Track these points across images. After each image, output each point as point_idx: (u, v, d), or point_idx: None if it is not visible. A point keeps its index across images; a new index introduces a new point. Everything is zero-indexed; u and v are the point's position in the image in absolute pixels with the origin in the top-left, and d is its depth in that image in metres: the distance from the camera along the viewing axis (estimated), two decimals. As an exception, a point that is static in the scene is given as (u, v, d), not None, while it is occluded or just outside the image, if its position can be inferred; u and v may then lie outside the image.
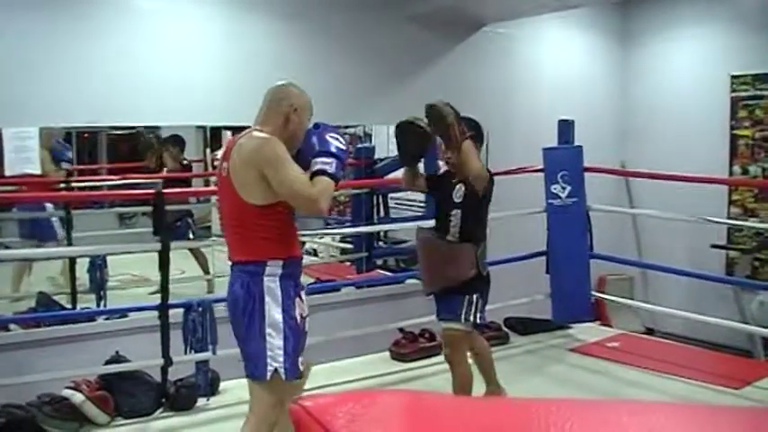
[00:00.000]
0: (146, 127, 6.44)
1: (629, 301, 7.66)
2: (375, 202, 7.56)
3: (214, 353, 5.12)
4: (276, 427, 3.49)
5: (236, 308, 3.42)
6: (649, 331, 8.19)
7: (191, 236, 7.15)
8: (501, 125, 7.56)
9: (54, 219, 6.39)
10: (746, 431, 0.64)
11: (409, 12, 6.90)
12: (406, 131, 4.34)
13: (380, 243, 7.98)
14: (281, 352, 3.34)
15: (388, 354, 6.20)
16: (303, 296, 3.53)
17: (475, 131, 4.46)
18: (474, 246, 4.47)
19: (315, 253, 8.31)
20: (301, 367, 3.45)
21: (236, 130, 7.38)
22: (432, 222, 4.76)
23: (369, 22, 6.78)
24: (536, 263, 6.66)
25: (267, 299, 3.35)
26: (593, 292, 7.00)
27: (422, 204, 7.63)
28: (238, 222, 3.43)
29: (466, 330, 4.52)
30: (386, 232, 7.93)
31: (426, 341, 6.19)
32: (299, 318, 3.43)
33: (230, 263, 3.52)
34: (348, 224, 7.63)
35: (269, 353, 3.34)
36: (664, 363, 5.93)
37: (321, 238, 8.21)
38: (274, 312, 3.35)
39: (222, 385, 5.35)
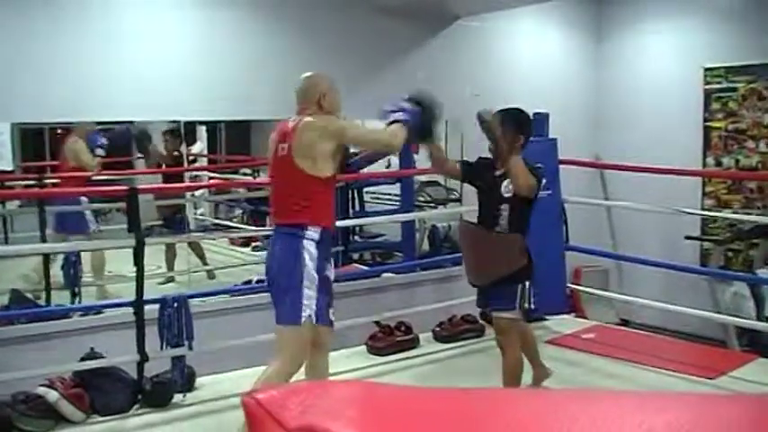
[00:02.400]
0: (119, 122, 6.38)
1: (605, 293, 7.70)
2: (350, 196, 7.56)
3: (190, 348, 5.13)
4: (314, 371, 4.21)
5: (279, 262, 4.04)
6: (624, 322, 8.23)
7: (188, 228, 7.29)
8: (473, 118, 7.57)
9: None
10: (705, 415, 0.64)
11: (383, 4, 6.89)
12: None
13: (356, 237, 7.98)
14: (315, 301, 3.95)
15: (364, 348, 6.20)
16: (332, 262, 4.18)
17: (521, 126, 4.60)
18: (522, 236, 4.55)
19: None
20: (332, 317, 4.10)
21: (211, 125, 7.47)
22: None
23: (342, 16, 6.78)
24: (511, 255, 6.67)
25: (305, 257, 3.94)
26: (569, 284, 7.04)
27: (397, 198, 7.65)
28: (293, 192, 4.02)
29: (518, 318, 4.62)
30: (361, 226, 7.93)
31: (402, 334, 6.20)
32: (331, 277, 4.09)
33: (275, 225, 4.18)
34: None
35: (305, 301, 3.93)
36: (638, 353, 5.97)
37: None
38: (311, 270, 3.94)
39: (198, 381, 5.34)
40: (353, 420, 0.68)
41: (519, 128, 4.58)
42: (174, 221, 7.11)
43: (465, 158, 4.86)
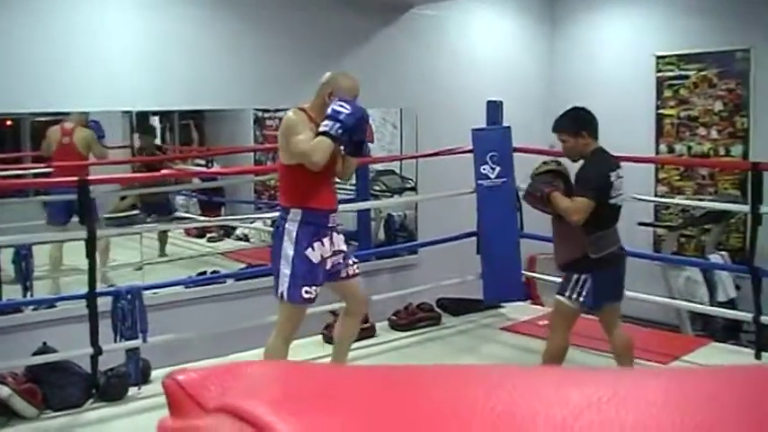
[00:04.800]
0: (68, 113, 6.34)
1: (560, 280, 7.73)
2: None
3: (144, 341, 5.07)
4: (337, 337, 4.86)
5: (272, 242, 4.51)
6: (580, 309, 8.29)
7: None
8: (430, 107, 7.61)
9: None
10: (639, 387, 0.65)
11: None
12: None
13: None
14: (287, 280, 4.26)
15: (320, 337, 6.19)
16: (327, 241, 4.37)
17: (588, 125, 4.72)
18: (586, 230, 4.57)
19: (246, 238, 8.27)
20: (306, 295, 4.29)
21: (163, 114, 7.43)
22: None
23: (296, 5, 6.75)
24: (467, 243, 6.69)
25: (285, 237, 4.28)
26: (524, 272, 7.06)
27: (352, 187, 7.63)
28: (280, 176, 4.48)
29: (569, 306, 4.66)
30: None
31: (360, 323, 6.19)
32: (315, 258, 4.30)
33: None
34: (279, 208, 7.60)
35: (281, 278, 4.28)
36: (594, 339, 5.99)
37: (252, 222, 8.17)
38: (288, 249, 4.26)
39: (154, 374, 5.28)
40: (272, 398, 0.68)
41: (576, 113, 4.81)
42: (160, 207, 7.39)
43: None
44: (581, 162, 4.75)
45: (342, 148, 4.37)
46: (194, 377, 0.74)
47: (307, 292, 4.31)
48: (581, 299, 4.59)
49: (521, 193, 6.64)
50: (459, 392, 0.66)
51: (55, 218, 6.32)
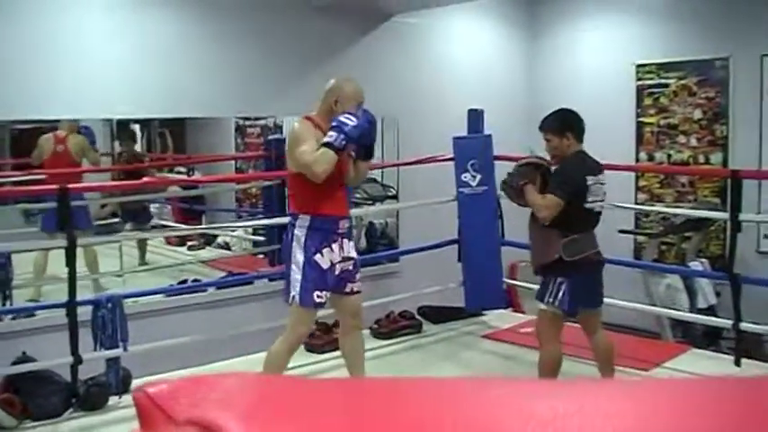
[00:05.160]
0: (48, 121, 6.32)
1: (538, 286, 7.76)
2: (287, 193, 7.52)
3: (125, 350, 5.05)
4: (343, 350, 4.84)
5: (282, 247, 4.58)
6: (561, 316, 8.30)
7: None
8: (411, 115, 7.62)
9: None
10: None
11: (318, 3, 6.88)
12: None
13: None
14: (299, 284, 4.32)
15: (302, 346, 6.17)
16: (336, 246, 4.43)
17: (573, 127, 4.71)
18: (558, 233, 4.56)
19: (227, 246, 8.25)
20: (317, 300, 4.37)
21: (144, 122, 7.41)
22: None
23: (276, 14, 6.75)
24: (448, 251, 6.71)
25: (294, 244, 4.36)
26: (505, 279, 7.08)
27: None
28: (289, 184, 4.65)
29: (551, 311, 4.64)
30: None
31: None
32: (324, 263, 4.36)
33: None
34: (260, 216, 7.58)
35: (292, 283, 4.35)
36: (575, 347, 5.99)
37: (233, 230, 8.16)
38: (298, 255, 4.34)
39: (134, 383, 5.25)
40: (242, 411, 0.68)
41: (562, 114, 4.80)
42: (138, 215, 7.41)
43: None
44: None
45: (353, 153, 4.47)
46: (164, 389, 0.74)
47: (318, 296, 4.39)
48: (557, 302, 4.58)
49: (502, 201, 6.68)
50: (427, 407, 0.67)
51: (47, 225, 6.29)
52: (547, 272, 4.67)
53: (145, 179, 7.05)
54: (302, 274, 4.33)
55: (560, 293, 4.57)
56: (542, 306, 4.69)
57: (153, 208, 8.17)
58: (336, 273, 4.48)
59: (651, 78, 8.20)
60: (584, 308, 4.75)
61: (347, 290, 4.59)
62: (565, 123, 4.71)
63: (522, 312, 7.61)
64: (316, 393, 0.76)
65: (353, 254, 4.61)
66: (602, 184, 4.74)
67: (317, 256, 4.36)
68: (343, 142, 4.16)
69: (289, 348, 4.52)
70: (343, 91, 4.38)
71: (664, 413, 0.68)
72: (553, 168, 4.78)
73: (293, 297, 4.36)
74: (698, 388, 0.80)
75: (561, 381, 1.82)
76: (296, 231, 4.37)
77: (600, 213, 4.79)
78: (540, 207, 4.59)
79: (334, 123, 4.17)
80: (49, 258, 6.24)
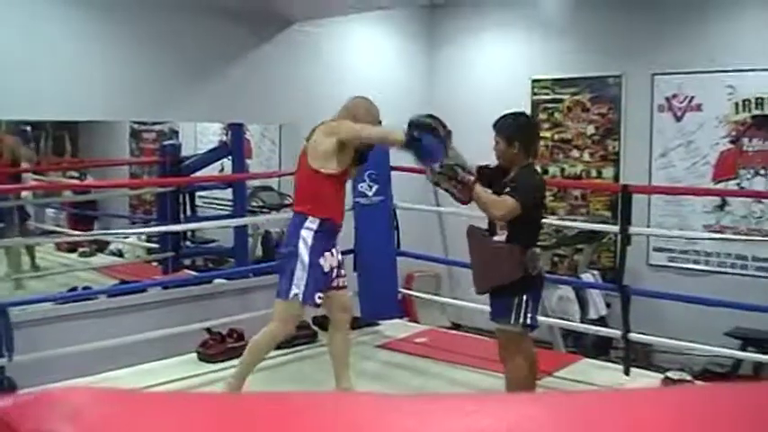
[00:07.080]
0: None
1: (436, 297, 7.84)
2: (181, 200, 7.42)
3: (10, 359, 4.91)
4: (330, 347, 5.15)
5: (285, 244, 4.79)
6: (456, 326, 8.39)
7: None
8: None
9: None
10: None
11: (217, 7, 6.80)
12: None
13: (188, 242, 7.84)
14: (304, 283, 4.55)
15: (195, 355, 6.09)
16: (334, 251, 4.77)
17: (521, 139, 4.50)
18: (522, 247, 4.36)
19: (120, 253, 8.10)
20: (318, 300, 4.65)
21: (36, 124, 7.22)
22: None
23: (174, 18, 6.63)
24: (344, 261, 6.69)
25: (300, 244, 4.57)
26: (401, 289, 7.12)
27: (230, 203, 7.56)
28: (302, 185, 4.76)
29: (516, 331, 4.43)
30: (193, 231, 7.81)
31: (234, 341, 6.12)
32: (326, 267, 4.66)
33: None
34: (154, 223, 7.47)
35: (295, 281, 4.55)
36: (470, 357, 6.08)
37: (126, 237, 8.01)
38: (304, 255, 4.55)
39: (20, 393, 5.12)
40: (88, 425, 0.66)
41: (512, 118, 4.61)
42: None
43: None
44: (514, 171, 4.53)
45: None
46: (11, 404, 0.72)
47: (319, 297, 4.66)
48: (528, 321, 4.39)
49: (398, 211, 6.71)
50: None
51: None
52: (505, 290, 4.40)
53: (32, 183, 6.88)
54: (307, 273, 4.56)
55: (528, 311, 4.39)
56: (507, 327, 4.44)
57: (50, 212, 7.99)
58: (333, 276, 4.80)
59: (546, 93, 8.35)
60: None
61: (334, 284, 4.85)
62: (516, 133, 4.51)
63: (417, 322, 7.67)
64: (165, 407, 0.74)
65: (341, 258, 4.90)
66: None
67: (321, 260, 4.62)
68: (433, 163, 4.40)
69: (274, 341, 4.84)
70: (358, 109, 4.80)
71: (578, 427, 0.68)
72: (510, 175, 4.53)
73: (295, 294, 4.57)
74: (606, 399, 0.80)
75: (483, 396, 1.83)
76: (302, 232, 4.59)
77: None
78: (496, 206, 4.33)
79: (429, 148, 4.42)
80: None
